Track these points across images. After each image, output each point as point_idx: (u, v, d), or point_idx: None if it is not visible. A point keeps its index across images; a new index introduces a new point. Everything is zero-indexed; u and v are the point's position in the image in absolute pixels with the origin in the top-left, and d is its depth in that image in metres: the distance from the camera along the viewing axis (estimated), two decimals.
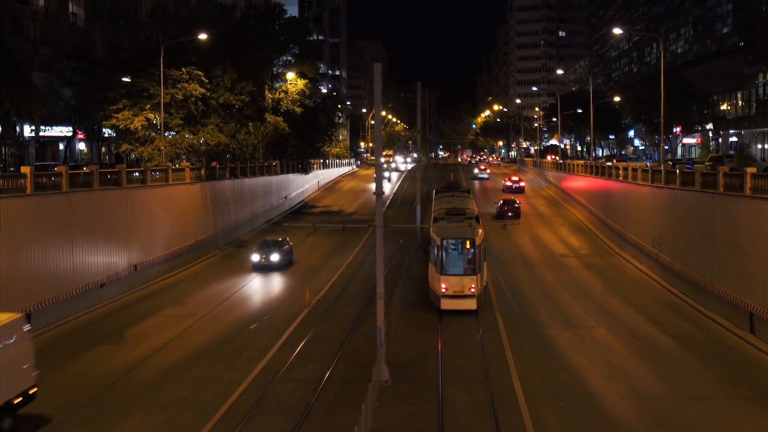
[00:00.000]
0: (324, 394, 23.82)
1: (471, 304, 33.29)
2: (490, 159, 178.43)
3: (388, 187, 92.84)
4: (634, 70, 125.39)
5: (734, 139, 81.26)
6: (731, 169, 36.46)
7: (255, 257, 44.25)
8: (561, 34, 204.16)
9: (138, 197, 40.58)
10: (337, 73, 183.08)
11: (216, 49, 54.79)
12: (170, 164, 47.75)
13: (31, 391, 21.13)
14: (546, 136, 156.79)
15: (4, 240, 28.66)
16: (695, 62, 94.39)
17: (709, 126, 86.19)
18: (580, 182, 70.37)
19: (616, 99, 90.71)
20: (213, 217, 51.83)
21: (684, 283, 37.46)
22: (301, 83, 65.86)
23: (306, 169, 77.26)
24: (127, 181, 39.37)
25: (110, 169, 39.62)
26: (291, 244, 47.15)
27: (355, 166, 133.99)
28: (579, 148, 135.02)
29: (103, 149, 67.21)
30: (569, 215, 68.02)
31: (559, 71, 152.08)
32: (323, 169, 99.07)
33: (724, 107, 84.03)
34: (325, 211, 75.46)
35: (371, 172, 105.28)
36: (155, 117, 49.25)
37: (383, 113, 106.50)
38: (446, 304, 33.28)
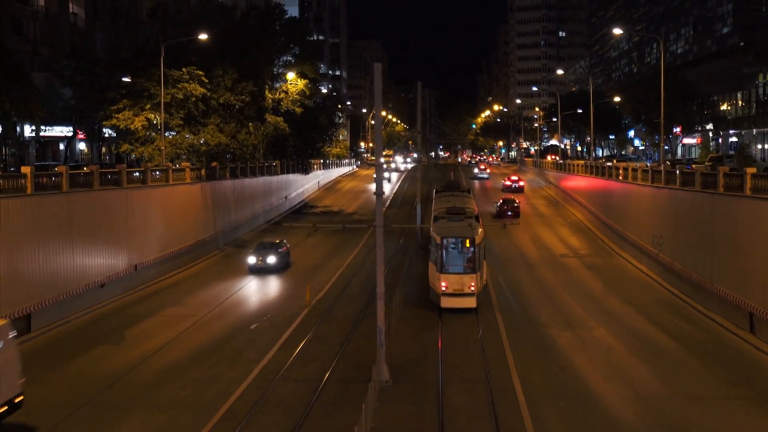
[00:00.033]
0: (324, 394, 23.82)
1: (471, 303, 33.53)
2: (490, 159, 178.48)
3: (388, 188, 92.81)
4: (635, 71, 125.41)
5: (734, 139, 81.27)
6: (731, 169, 36.43)
7: (251, 259, 43.58)
8: (561, 34, 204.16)
9: (138, 197, 40.58)
10: (338, 73, 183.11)
11: (216, 49, 54.80)
12: (170, 164, 47.76)
13: (16, 400, 20.30)
14: (546, 136, 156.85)
15: (4, 240, 28.66)
16: (695, 62, 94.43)
17: (709, 126, 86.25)
18: (580, 182, 70.37)
19: (617, 99, 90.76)
20: (213, 217, 51.82)
21: (684, 283, 37.46)
22: (301, 83, 65.85)
23: (306, 170, 77.33)
24: (127, 181, 39.36)
25: (110, 169, 39.61)
26: (288, 246, 46.44)
27: (355, 167, 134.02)
28: (579, 149, 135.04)
29: (104, 149, 67.23)
30: (569, 215, 68.03)
31: (560, 71, 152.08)
32: (323, 169, 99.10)
33: (724, 107, 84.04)
34: (325, 211, 75.46)
35: (371, 172, 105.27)
36: (155, 117, 49.25)
37: (383, 113, 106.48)
38: (446, 302, 33.54)
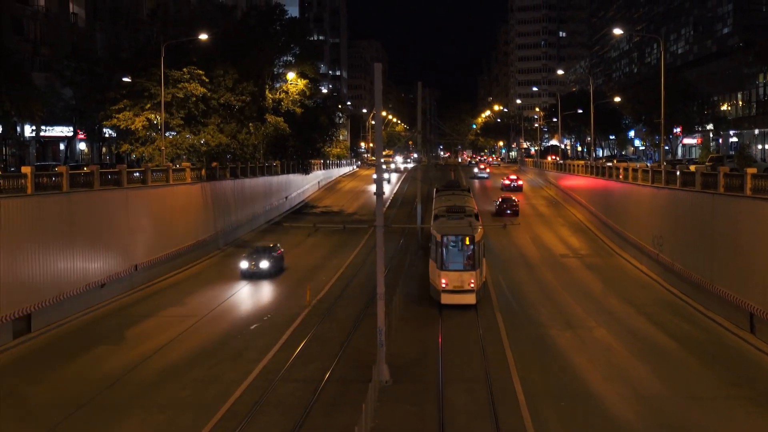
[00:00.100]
0: (324, 395, 23.82)
1: (470, 299, 34.03)
2: (490, 159, 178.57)
3: (388, 188, 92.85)
4: (635, 71, 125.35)
5: (734, 139, 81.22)
6: (731, 169, 36.43)
7: (244, 264, 41.83)
8: (561, 34, 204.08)
9: (138, 197, 40.58)
10: (338, 73, 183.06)
11: (217, 50, 54.82)
12: (171, 164, 47.76)
13: None
14: (546, 136, 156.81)
15: (4, 240, 28.65)
16: (696, 63, 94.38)
17: (710, 126, 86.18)
18: (580, 182, 70.37)
19: (617, 99, 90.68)
20: (213, 218, 51.82)
21: (684, 284, 37.46)
22: (301, 83, 65.87)
23: (306, 170, 77.37)
24: (127, 182, 39.37)
25: (111, 169, 39.63)
26: (282, 250, 45.08)
27: (355, 167, 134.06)
28: (579, 149, 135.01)
29: (104, 149, 67.21)
30: (569, 215, 68.02)
31: (560, 71, 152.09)
32: (324, 169, 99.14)
33: (724, 108, 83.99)
34: (325, 211, 75.47)
35: (372, 172, 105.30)
36: (156, 117, 49.25)
37: (383, 113, 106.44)
38: (446, 299, 34.08)
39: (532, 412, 22.22)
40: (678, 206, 39.39)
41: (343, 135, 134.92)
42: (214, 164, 52.68)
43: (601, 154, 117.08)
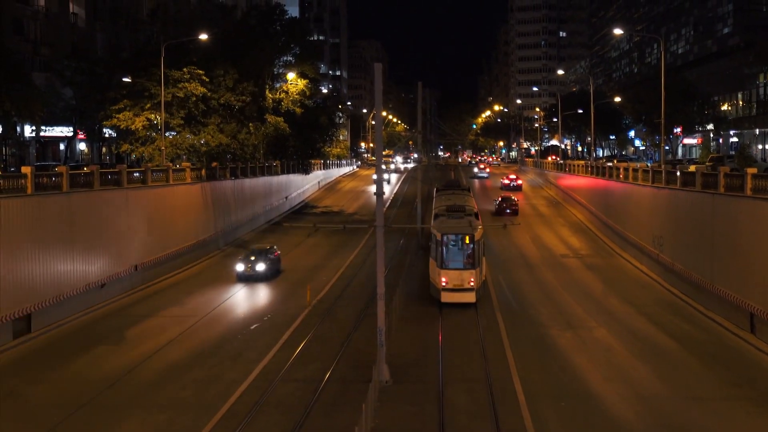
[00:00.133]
0: (324, 395, 23.81)
1: (470, 297, 34.21)
2: (490, 159, 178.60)
3: (388, 188, 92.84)
4: (635, 71, 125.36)
5: (735, 139, 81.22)
6: (732, 169, 36.42)
7: (239, 267, 41.17)
8: (561, 34, 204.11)
9: (138, 197, 40.56)
10: (338, 73, 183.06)
11: (217, 50, 54.82)
12: (171, 164, 47.75)
13: None
14: (547, 136, 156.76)
15: (4, 240, 28.64)
16: (696, 63, 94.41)
17: (710, 126, 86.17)
18: (580, 182, 70.37)
19: (617, 99, 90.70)
20: (213, 218, 51.81)
21: (684, 284, 37.44)
22: (301, 83, 65.87)
23: (306, 170, 77.38)
24: (127, 182, 39.35)
25: (111, 170, 39.61)
26: (278, 252, 44.51)
27: (355, 167, 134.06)
28: (580, 149, 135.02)
29: (104, 149, 67.21)
30: (570, 215, 68.01)
31: (560, 71, 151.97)
32: (324, 169, 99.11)
33: (724, 108, 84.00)
34: (325, 211, 75.45)
35: (372, 172, 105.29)
36: (156, 117, 49.25)
37: (384, 113, 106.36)
38: (446, 297, 34.26)
39: (532, 413, 22.21)
40: (678, 206, 39.37)
41: (343, 135, 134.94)
42: (214, 164, 52.68)
43: (601, 154, 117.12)
